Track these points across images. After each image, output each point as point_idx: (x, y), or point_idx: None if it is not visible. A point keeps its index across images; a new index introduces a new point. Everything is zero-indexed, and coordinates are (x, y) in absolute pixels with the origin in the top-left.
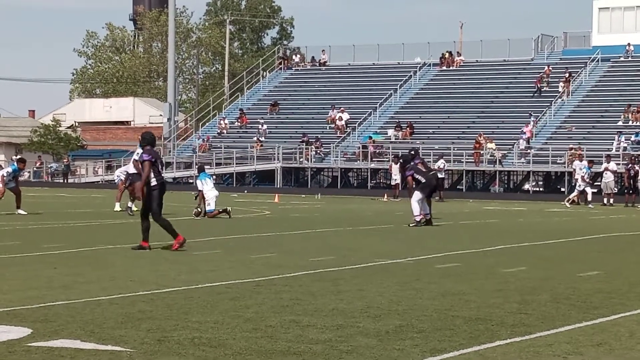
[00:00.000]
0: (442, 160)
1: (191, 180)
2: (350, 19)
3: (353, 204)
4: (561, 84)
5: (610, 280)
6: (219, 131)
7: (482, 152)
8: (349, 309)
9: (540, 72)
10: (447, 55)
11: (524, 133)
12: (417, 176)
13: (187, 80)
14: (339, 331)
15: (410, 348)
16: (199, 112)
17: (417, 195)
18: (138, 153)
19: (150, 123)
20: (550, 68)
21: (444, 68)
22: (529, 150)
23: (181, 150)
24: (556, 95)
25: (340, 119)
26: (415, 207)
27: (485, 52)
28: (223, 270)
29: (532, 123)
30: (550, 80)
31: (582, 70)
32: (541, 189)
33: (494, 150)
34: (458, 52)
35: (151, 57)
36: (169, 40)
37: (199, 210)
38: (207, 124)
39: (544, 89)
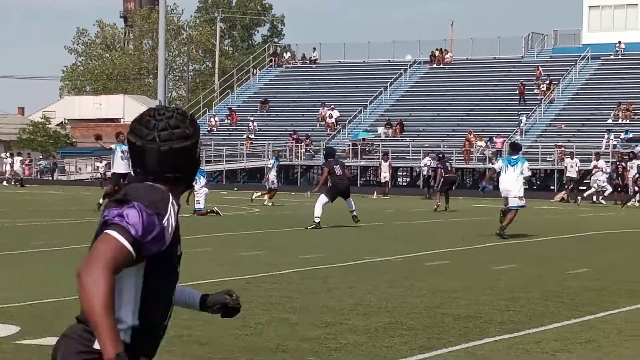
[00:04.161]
0: (428, 158)
1: None
2: (341, 17)
3: (342, 202)
4: (543, 87)
5: (599, 278)
6: (209, 128)
7: (472, 149)
8: (338, 307)
9: (530, 72)
10: (437, 53)
11: (494, 142)
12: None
13: (178, 77)
14: (328, 328)
15: (399, 345)
16: (189, 109)
17: (322, 198)
18: (124, 151)
19: None
20: (541, 70)
21: (435, 66)
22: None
23: None
24: (546, 94)
25: (331, 116)
26: (318, 209)
27: (476, 50)
28: (212, 268)
29: (523, 120)
30: (533, 85)
31: (572, 68)
32: (534, 187)
33: (484, 148)
34: (447, 50)
35: (141, 55)
36: (159, 38)
37: (211, 209)
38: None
39: (534, 91)
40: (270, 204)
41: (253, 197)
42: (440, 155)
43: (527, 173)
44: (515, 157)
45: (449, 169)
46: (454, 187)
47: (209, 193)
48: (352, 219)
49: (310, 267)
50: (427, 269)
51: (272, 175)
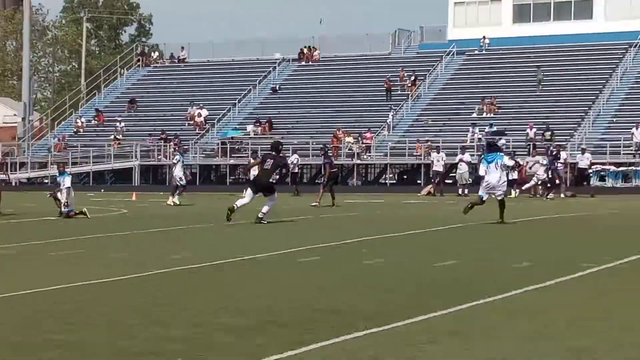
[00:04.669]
0: (295, 155)
1: (46, 180)
2: (209, 15)
3: (212, 201)
4: (409, 83)
5: (466, 269)
6: (75, 130)
7: (340, 146)
8: (209, 306)
9: (397, 68)
10: (306, 50)
11: (365, 137)
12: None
13: (43, 78)
14: (198, 328)
15: (270, 342)
16: (55, 110)
17: (248, 191)
18: None
19: (4, 123)
20: (405, 71)
21: (303, 63)
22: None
23: (36, 150)
24: (412, 90)
25: (199, 115)
26: (244, 200)
27: (344, 47)
28: (83, 270)
29: (390, 116)
30: (400, 82)
31: (438, 64)
32: (403, 179)
33: (352, 144)
34: (315, 47)
35: (5, 56)
36: (24, 39)
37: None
38: (63, 122)
39: (398, 91)
40: (177, 203)
41: (170, 202)
42: (326, 150)
43: (510, 163)
44: (492, 154)
45: (333, 163)
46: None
47: (74, 195)
48: (256, 217)
49: (181, 266)
50: (299, 265)
51: (179, 171)
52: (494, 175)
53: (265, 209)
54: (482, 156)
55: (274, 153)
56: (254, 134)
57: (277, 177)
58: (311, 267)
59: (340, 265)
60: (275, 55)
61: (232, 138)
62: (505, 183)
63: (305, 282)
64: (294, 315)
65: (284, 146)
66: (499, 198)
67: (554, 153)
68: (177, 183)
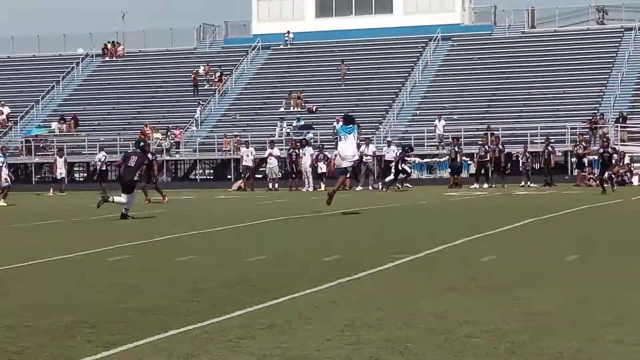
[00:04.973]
0: (103, 152)
1: None
2: (8, 9)
3: (16, 200)
4: (215, 78)
5: (277, 263)
6: None
7: (148, 142)
8: (18, 309)
9: (203, 63)
10: (110, 45)
11: (174, 133)
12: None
13: None
14: (7, 332)
15: (83, 344)
16: None
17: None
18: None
19: None
20: (210, 66)
21: (107, 59)
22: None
23: None
24: (219, 85)
25: (1, 113)
26: (119, 198)
27: (148, 42)
28: None
29: (198, 111)
30: (208, 78)
31: (243, 59)
32: (211, 177)
33: (161, 140)
34: (119, 42)
35: None
36: None
37: None
38: None
39: (205, 86)
40: (4, 204)
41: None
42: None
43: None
44: (350, 126)
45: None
46: None
47: None
48: (121, 215)
49: None
50: (110, 264)
51: (4, 173)
52: (350, 145)
53: (129, 205)
54: (338, 129)
55: (138, 150)
56: (59, 131)
57: (140, 174)
58: (122, 266)
59: (151, 263)
60: (78, 50)
61: (36, 136)
62: (357, 157)
63: (116, 281)
64: (106, 315)
65: (91, 143)
66: (344, 165)
67: (406, 148)
68: (3, 184)
